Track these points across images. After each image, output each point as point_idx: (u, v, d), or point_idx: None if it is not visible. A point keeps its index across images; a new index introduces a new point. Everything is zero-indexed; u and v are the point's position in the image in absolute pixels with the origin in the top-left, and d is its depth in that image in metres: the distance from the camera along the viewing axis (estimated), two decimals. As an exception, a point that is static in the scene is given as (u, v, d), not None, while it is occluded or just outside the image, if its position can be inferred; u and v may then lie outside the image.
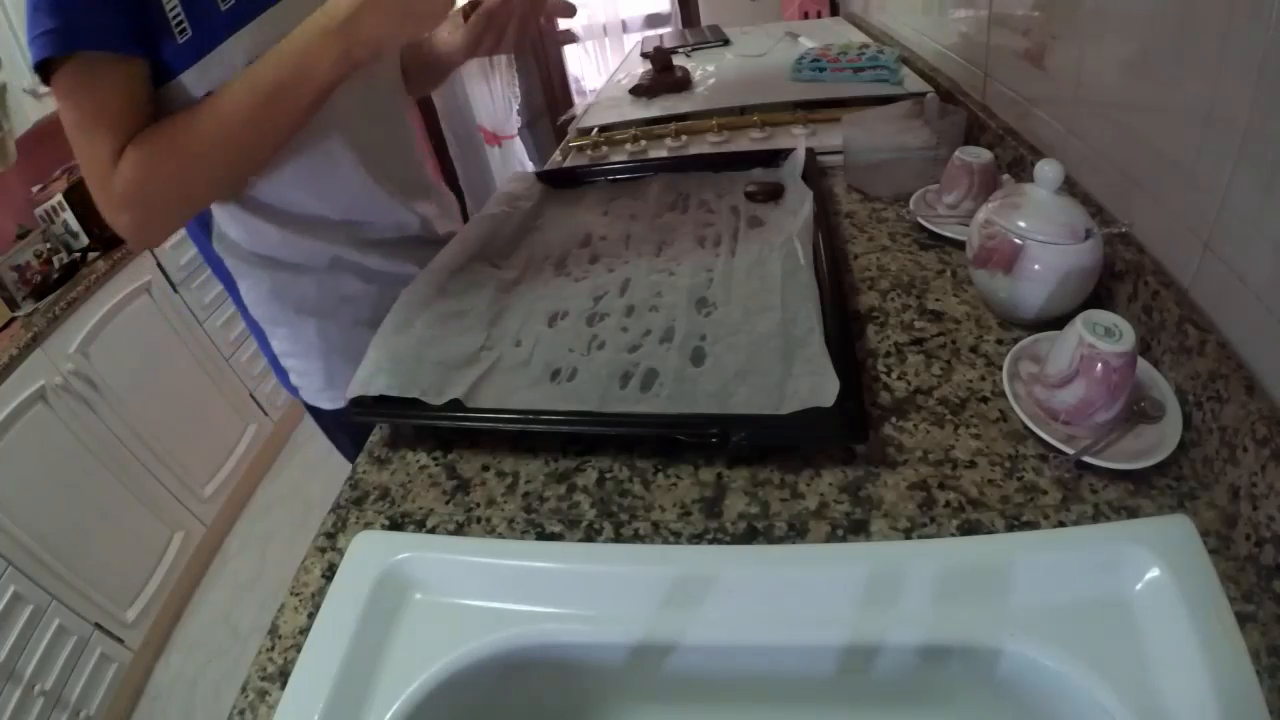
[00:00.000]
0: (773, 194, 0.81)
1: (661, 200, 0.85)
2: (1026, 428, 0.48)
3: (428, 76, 0.86)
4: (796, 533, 0.45)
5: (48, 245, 1.75)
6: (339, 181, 0.72)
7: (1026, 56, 0.78)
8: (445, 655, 0.42)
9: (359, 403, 0.57)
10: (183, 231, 0.81)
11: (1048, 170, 0.55)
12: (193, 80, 0.59)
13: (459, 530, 0.50)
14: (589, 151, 1.11)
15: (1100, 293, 0.59)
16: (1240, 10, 0.43)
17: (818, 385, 0.49)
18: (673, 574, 0.44)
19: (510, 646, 0.43)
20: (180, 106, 0.59)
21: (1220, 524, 0.41)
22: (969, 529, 0.43)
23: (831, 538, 0.45)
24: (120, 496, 1.67)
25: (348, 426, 0.70)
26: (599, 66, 3.41)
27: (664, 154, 1.05)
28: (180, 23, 0.58)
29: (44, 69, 0.55)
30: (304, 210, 0.71)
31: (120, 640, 1.60)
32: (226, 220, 0.71)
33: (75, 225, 1.80)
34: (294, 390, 0.85)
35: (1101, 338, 0.44)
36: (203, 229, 0.74)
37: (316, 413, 0.85)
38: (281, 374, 0.85)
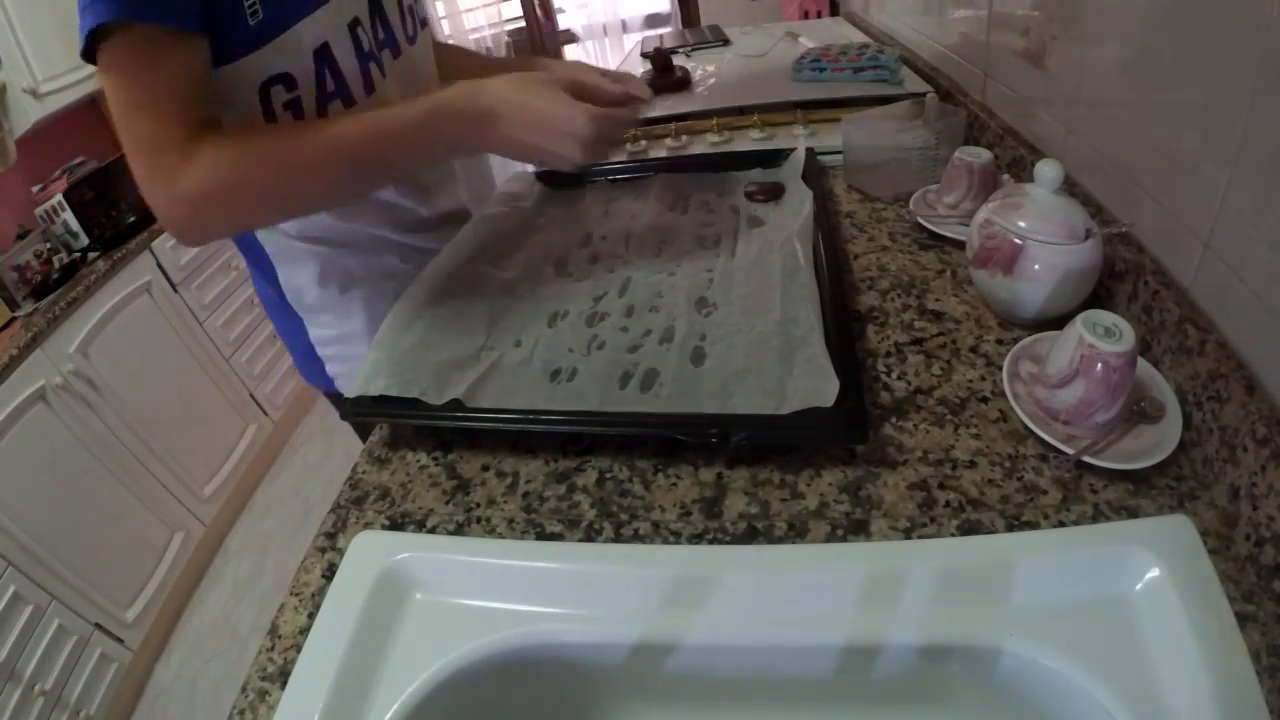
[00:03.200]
0: (773, 194, 0.81)
1: (661, 200, 0.85)
2: (1026, 428, 0.48)
3: None
4: (796, 533, 0.45)
5: (48, 245, 1.75)
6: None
7: (1026, 56, 0.78)
8: (445, 655, 0.42)
9: (359, 403, 0.57)
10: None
11: (1048, 170, 0.55)
12: (254, 65, 0.57)
13: (459, 530, 0.50)
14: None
15: (1100, 293, 0.59)
16: (1240, 10, 0.43)
17: (818, 385, 0.49)
18: (673, 574, 0.44)
19: (510, 646, 0.43)
20: (235, 94, 0.57)
21: (1220, 524, 0.41)
22: (969, 529, 0.43)
23: (831, 538, 0.45)
24: (120, 496, 1.67)
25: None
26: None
27: (664, 154, 1.05)
28: (254, 3, 0.55)
29: (95, 37, 0.50)
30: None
31: (120, 640, 1.60)
32: None
33: (75, 225, 1.80)
34: (328, 383, 0.82)
35: (1101, 338, 0.44)
36: None
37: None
38: (313, 368, 0.82)
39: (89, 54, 0.52)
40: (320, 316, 0.77)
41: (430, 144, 0.60)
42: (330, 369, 0.81)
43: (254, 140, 0.56)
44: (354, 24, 0.65)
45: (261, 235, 0.72)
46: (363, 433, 0.79)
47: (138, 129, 0.53)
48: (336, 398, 0.83)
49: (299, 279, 0.75)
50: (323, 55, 0.62)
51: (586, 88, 0.61)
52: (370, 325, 0.76)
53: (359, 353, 0.76)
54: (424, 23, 0.76)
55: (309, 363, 0.82)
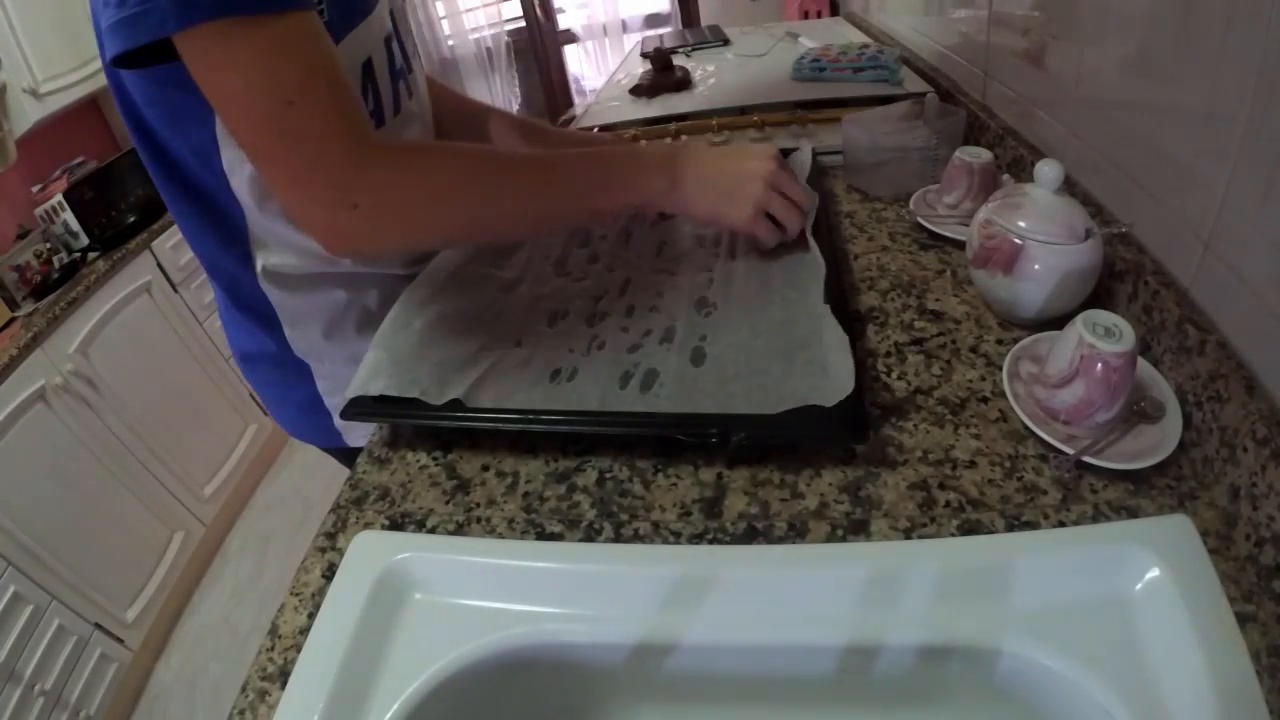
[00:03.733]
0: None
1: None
2: (1026, 428, 0.48)
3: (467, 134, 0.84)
4: (796, 533, 0.45)
5: (48, 245, 1.75)
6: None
7: (1026, 56, 0.78)
8: (445, 655, 0.42)
9: (359, 403, 0.57)
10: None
11: (1048, 170, 0.55)
12: None
13: (459, 530, 0.50)
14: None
15: (1100, 293, 0.59)
16: (1240, 10, 0.43)
17: (818, 385, 0.49)
18: (673, 574, 0.44)
19: (510, 646, 0.43)
20: None
21: (1220, 524, 0.41)
22: (969, 529, 0.43)
23: (831, 538, 0.45)
24: (120, 496, 1.68)
25: None
26: (599, 66, 3.41)
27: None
28: (323, 2, 0.51)
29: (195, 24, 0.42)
30: None
31: (120, 640, 1.60)
32: (281, 244, 0.63)
33: (75, 225, 1.80)
34: (333, 438, 0.76)
35: (1101, 338, 0.44)
36: (245, 267, 0.65)
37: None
38: (314, 423, 0.74)
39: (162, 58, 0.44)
40: (330, 363, 0.71)
41: (626, 189, 0.59)
42: (339, 421, 0.73)
43: (442, 146, 0.52)
44: (389, 39, 0.63)
45: (267, 284, 0.66)
46: (347, 461, 0.75)
47: (294, 127, 0.45)
48: (342, 453, 0.78)
49: (309, 325, 0.69)
50: (368, 70, 0.59)
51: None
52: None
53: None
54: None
55: (308, 416, 0.74)
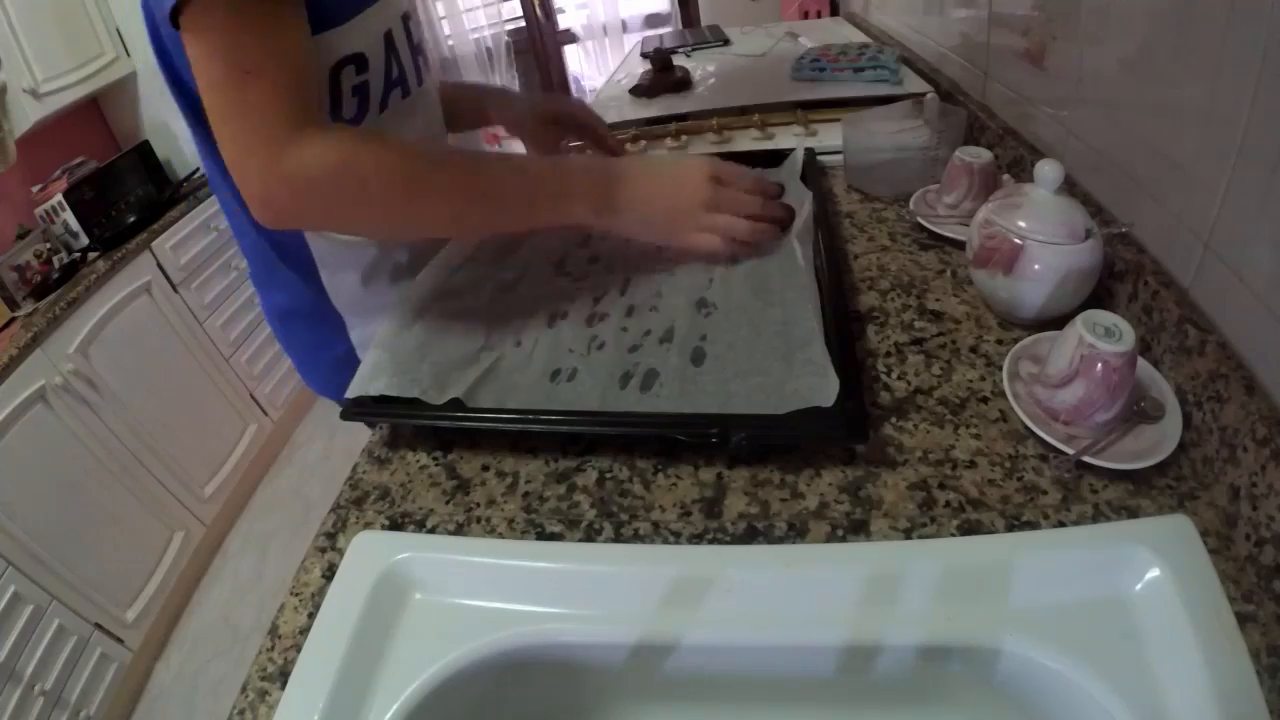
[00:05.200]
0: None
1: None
2: (1026, 428, 0.48)
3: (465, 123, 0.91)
4: (796, 533, 0.45)
5: (48, 245, 1.75)
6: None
7: (1026, 56, 0.78)
8: (445, 655, 0.42)
9: (359, 403, 0.57)
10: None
11: (1048, 170, 0.55)
12: (332, 43, 0.57)
13: (459, 530, 0.50)
14: (588, 152, 1.11)
15: (1100, 293, 0.59)
16: (1240, 10, 0.43)
17: (818, 385, 0.49)
18: (673, 574, 0.44)
19: (510, 646, 0.43)
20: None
21: (1220, 524, 0.41)
22: (969, 529, 0.43)
23: (831, 538, 0.45)
24: (120, 496, 1.68)
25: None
26: (599, 66, 3.41)
27: (664, 154, 1.05)
28: None
29: None
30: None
31: (120, 640, 1.60)
32: None
33: (75, 225, 1.80)
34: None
35: (1101, 338, 0.44)
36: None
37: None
38: (346, 381, 0.77)
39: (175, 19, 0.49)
40: (366, 315, 0.74)
41: (560, 208, 0.60)
42: None
43: (382, 135, 0.54)
44: (405, 17, 0.67)
45: (309, 235, 0.69)
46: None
47: (247, 95, 0.49)
48: None
49: (348, 272, 0.72)
50: (389, 41, 0.64)
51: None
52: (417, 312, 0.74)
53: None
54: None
55: (340, 373, 0.75)
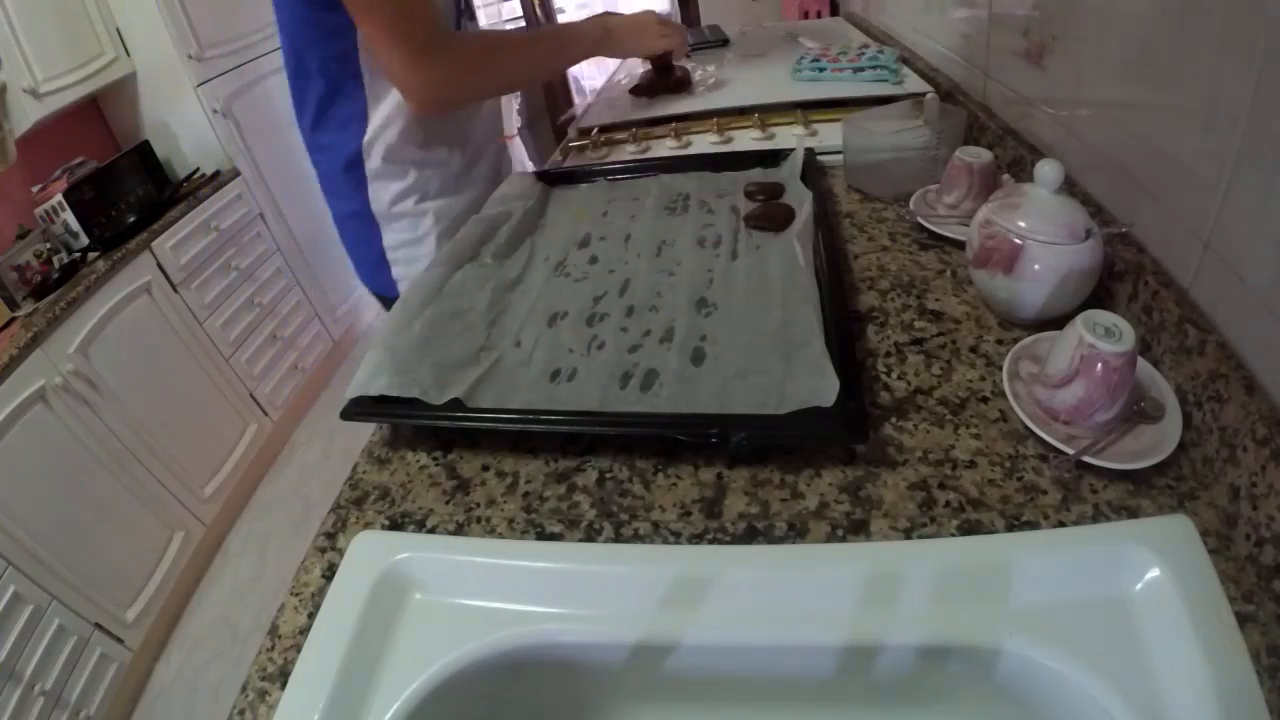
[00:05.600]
0: (773, 194, 0.81)
1: (661, 201, 0.85)
2: (1026, 428, 0.48)
3: None
4: (796, 533, 0.45)
5: (48, 245, 1.75)
6: (482, 114, 1.04)
7: (1026, 56, 0.78)
8: (445, 655, 0.42)
9: (359, 402, 0.57)
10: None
11: (1048, 170, 0.55)
12: None
13: (459, 530, 0.50)
14: (589, 151, 1.11)
15: (1100, 293, 0.59)
16: (1240, 10, 0.43)
17: (818, 385, 0.49)
18: (673, 574, 0.44)
19: (510, 646, 0.43)
20: None
21: (1220, 524, 0.41)
22: (969, 529, 0.43)
23: (831, 538, 0.45)
24: (120, 496, 1.67)
25: None
26: (599, 66, 3.40)
27: (664, 154, 1.05)
28: None
29: None
30: (453, 126, 0.96)
31: (120, 640, 1.60)
32: (399, 121, 0.87)
33: (75, 225, 1.79)
34: (391, 287, 0.99)
35: (1101, 338, 0.44)
36: (359, 126, 0.88)
37: None
38: (380, 275, 0.99)
39: None
40: (397, 223, 0.95)
41: (582, 43, 0.98)
42: (395, 272, 0.98)
43: (486, 32, 0.80)
44: None
45: (370, 147, 0.89)
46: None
47: (417, 11, 0.74)
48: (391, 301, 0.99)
49: (388, 192, 0.92)
50: None
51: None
52: (434, 233, 0.96)
53: (424, 253, 0.95)
54: None
55: (377, 270, 0.99)
